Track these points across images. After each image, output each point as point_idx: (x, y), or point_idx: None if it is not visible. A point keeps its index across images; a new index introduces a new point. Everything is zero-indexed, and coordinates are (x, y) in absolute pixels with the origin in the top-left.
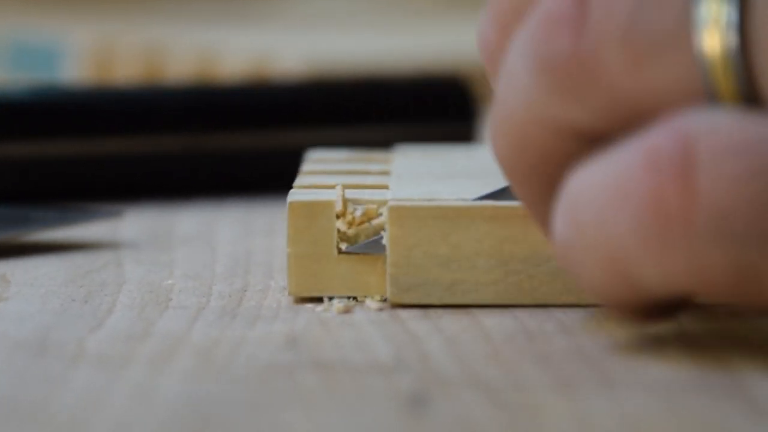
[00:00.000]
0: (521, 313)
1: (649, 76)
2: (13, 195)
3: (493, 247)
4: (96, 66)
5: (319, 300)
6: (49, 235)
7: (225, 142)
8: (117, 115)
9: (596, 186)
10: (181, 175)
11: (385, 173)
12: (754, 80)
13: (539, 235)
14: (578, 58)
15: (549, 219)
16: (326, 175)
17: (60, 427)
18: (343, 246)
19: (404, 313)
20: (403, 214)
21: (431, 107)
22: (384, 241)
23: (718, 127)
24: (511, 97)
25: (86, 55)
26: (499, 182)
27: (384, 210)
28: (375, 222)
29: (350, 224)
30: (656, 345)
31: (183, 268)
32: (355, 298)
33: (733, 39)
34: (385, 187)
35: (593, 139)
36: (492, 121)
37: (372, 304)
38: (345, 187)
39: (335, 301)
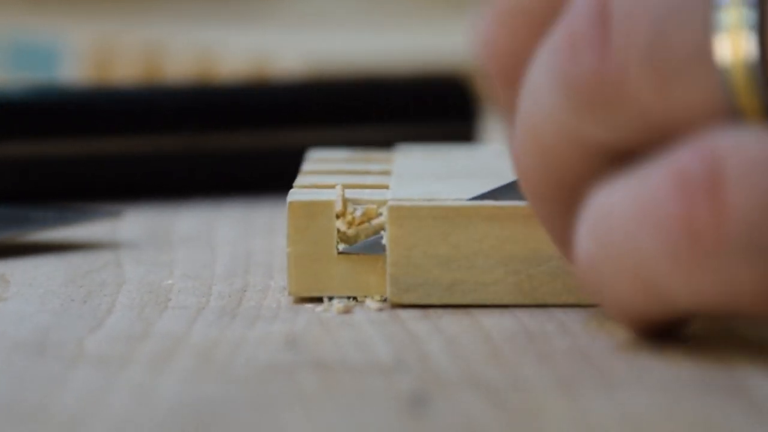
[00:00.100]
0: (521, 313)
1: (673, 95)
2: (13, 195)
3: (493, 247)
4: (95, 66)
5: (319, 300)
6: (49, 235)
7: (224, 142)
8: (116, 115)
9: (624, 204)
10: (180, 175)
11: (386, 173)
12: None
13: (539, 235)
14: (602, 77)
15: (568, 237)
16: (326, 174)
17: (59, 427)
18: (341, 246)
19: (404, 314)
20: (402, 214)
21: (431, 107)
22: (384, 241)
23: (744, 143)
24: (536, 115)
25: (86, 55)
26: (499, 182)
27: (384, 210)
28: (375, 222)
29: (350, 224)
30: (657, 345)
31: (182, 268)
32: (355, 298)
33: (754, 54)
34: (386, 186)
35: (618, 157)
36: (516, 138)
37: (372, 304)
38: (345, 187)
39: (335, 301)
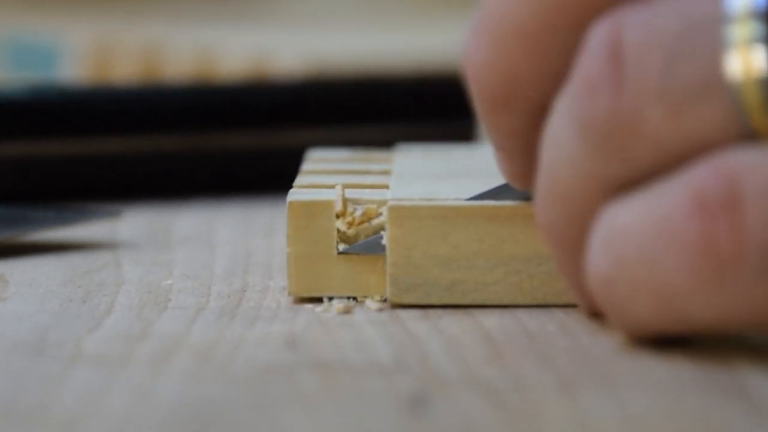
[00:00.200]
0: (522, 314)
1: (689, 124)
2: (12, 195)
3: (494, 247)
4: (95, 65)
5: (318, 300)
6: (48, 235)
7: (224, 141)
8: (116, 115)
9: (639, 223)
10: (180, 175)
11: (386, 173)
12: None
13: (540, 236)
14: (618, 117)
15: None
16: (326, 174)
17: (58, 427)
18: (341, 246)
19: (404, 314)
20: (402, 213)
21: (431, 107)
22: (383, 241)
23: (761, 161)
24: (559, 166)
25: (85, 54)
26: (499, 181)
27: (384, 210)
28: (375, 222)
29: (350, 224)
30: (657, 345)
31: (182, 268)
32: (354, 298)
33: (766, 70)
34: (386, 186)
35: (631, 184)
36: (539, 192)
37: (372, 304)
38: (345, 186)
39: (335, 302)
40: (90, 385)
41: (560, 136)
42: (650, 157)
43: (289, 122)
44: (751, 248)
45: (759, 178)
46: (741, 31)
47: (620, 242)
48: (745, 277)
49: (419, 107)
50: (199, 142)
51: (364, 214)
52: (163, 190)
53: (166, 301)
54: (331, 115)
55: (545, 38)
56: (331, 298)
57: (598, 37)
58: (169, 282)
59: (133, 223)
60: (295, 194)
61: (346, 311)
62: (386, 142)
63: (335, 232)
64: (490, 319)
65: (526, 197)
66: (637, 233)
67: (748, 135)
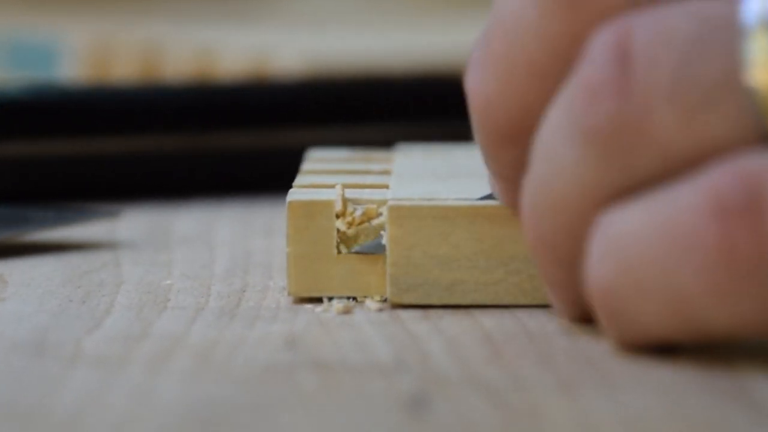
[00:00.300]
0: (522, 314)
1: (702, 128)
2: (11, 195)
3: (494, 247)
4: (93, 65)
5: (318, 300)
6: (47, 235)
7: (224, 141)
8: (115, 114)
9: (650, 230)
10: (179, 175)
11: (386, 173)
12: None
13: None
14: (625, 121)
15: (581, 300)
16: (326, 174)
17: (57, 427)
18: (343, 248)
19: (404, 314)
20: (402, 213)
21: (431, 106)
22: (383, 241)
23: None
24: (554, 179)
25: (84, 53)
26: None
27: (384, 210)
28: (375, 222)
29: (350, 224)
30: (658, 346)
31: (181, 268)
32: (354, 298)
33: None
34: (386, 186)
35: (631, 192)
36: (530, 208)
37: (372, 304)
38: (345, 186)
39: (335, 302)
40: (89, 385)
41: (555, 147)
42: (656, 162)
43: (289, 122)
44: None
45: None
46: (760, 32)
47: (626, 248)
48: (765, 282)
49: (419, 107)
50: (198, 142)
51: (364, 214)
52: (162, 190)
53: (166, 301)
54: (331, 115)
55: (556, 72)
56: (330, 298)
57: (602, 42)
58: (168, 282)
59: (133, 223)
60: (294, 194)
61: (346, 311)
62: (386, 142)
63: (335, 232)
64: (491, 320)
65: None
66: (646, 238)
67: (764, 138)
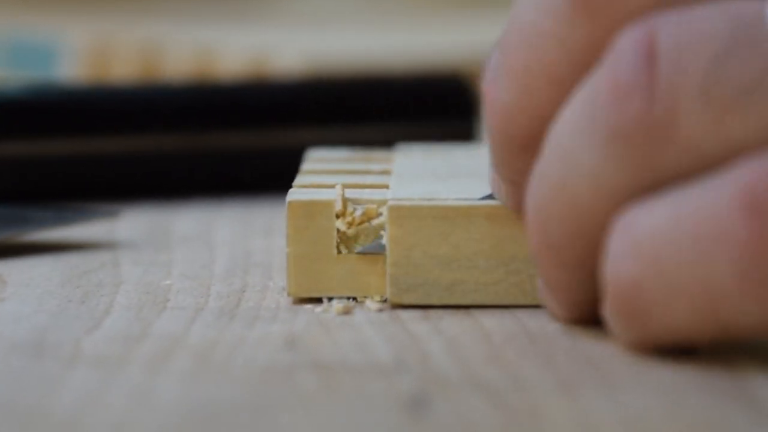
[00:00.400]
0: (522, 314)
1: (731, 128)
2: (10, 194)
3: (494, 247)
4: (93, 64)
5: (318, 301)
6: (46, 235)
7: (223, 141)
8: (114, 114)
9: (678, 226)
10: (179, 175)
11: (386, 173)
12: None
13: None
14: (652, 121)
15: (582, 299)
16: (326, 174)
17: (57, 428)
18: (343, 248)
19: (404, 314)
20: (402, 213)
21: (431, 106)
22: (383, 241)
23: None
24: (573, 179)
25: (83, 53)
26: None
27: (384, 210)
28: (375, 222)
29: (350, 224)
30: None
31: (181, 268)
32: (354, 298)
33: None
34: (386, 186)
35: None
36: (538, 210)
37: (372, 304)
38: (345, 186)
39: (335, 302)
40: (89, 385)
41: (572, 148)
42: (682, 161)
43: (288, 121)
44: None
45: None
46: None
47: (652, 246)
48: None
49: (419, 106)
50: (198, 141)
51: (364, 214)
52: (162, 189)
53: (165, 301)
54: (331, 115)
55: (575, 80)
56: (330, 299)
57: (627, 42)
58: (168, 282)
59: (132, 223)
60: (294, 194)
61: (346, 311)
62: (386, 142)
63: (335, 232)
64: (491, 320)
65: None
66: (674, 235)
67: None
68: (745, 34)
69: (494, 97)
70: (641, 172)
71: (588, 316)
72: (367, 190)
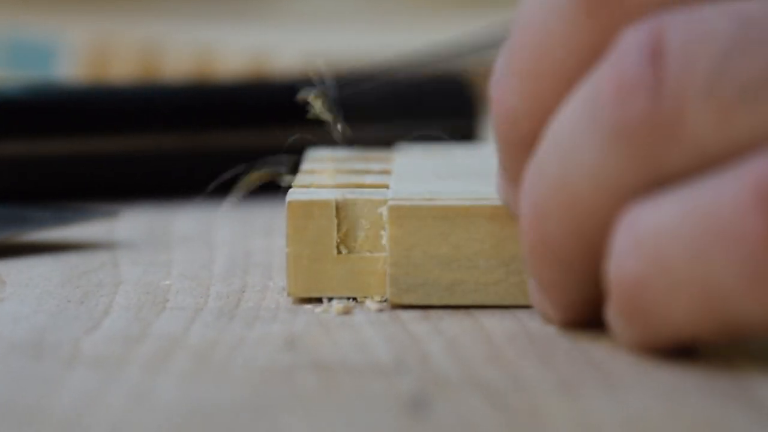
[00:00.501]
0: (523, 314)
1: (738, 125)
2: (9, 194)
3: (495, 247)
4: (92, 64)
5: (318, 301)
6: (45, 235)
7: (223, 140)
8: (114, 114)
9: (683, 222)
10: (178, 174)
11: (386, 172)
12: None
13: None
14: (658, 118)
15: (575, 300)
16: (326, 174)
17: (56, 428)
18: (343, 248)
19: (404, 314)
20: (402, 213)
21: (431, 106)
22: (384, 241)
23: None
24: (574, 176)
25: (83, 52)
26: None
27: (384, 210)
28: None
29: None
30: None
31: (180, 268)
32: (354, 298)
33: None
34: (386, 186)
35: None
36: (534, 207)
37: (372, 304)
38: (345, 186)
39: (335, 302)
40: (88, 386)
41: (573, 144)
42: (688, 159)
43: (288, 121)
44: None
45: None
46: None
47: (656, 242)
48: None
49: (419, 107)
50: (197, 141)
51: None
52: (161, 189)
53: (165, 301)
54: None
55: (582, 78)
56: (330, 299)
57: (633, 40)
58: (167, 282)
59: (132, 223)
60: (294, 194)
61: (346, 312)
62: (386, 142)
63: (335, 233)
64: (491, 320)
65: None
66: (680, 231)
67: None
68: (752, 33)
69: (500, 99)
70: (644, 171)
71: (581, 318)
72: (367, 190)
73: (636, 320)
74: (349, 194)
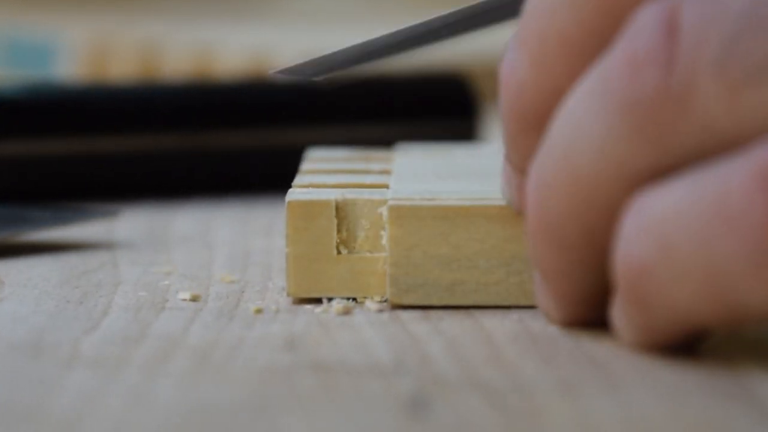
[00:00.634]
0: (523, 315)
1: (747, 104)
2: (8, 194)
3: (495, 247)
4: (91, 63)
5: (318, 301)
6: (44, 235)
7: (223, 140)
8: (113, 113)
9: (690, 208)
10: (178, 174)
11: (386, 172)
12: None
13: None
14: (667, 93)
15: (584, 289)
16: (326, 174)
17: (55, 429)
18: (343, 248)
19: (404, 315)
20: (403, 213)
21: (432, 105)
22: (384, 241)
23: None
24: (580, 151)
25: (82, 52)
26: (499, 180)
27: (384, 210)
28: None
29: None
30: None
31: (180, 268)
32: (354, 299)
33: None
34: (386, 186)
35: (664, 175)
36: (540, 186)
37: (372, 305)
38: (345, 186)
39: (334, 302)
40: (87, 386)
41: (583, 120)
42: (697, 138)
43: (288, 120)
44: None
45: None
46: None
47: (663, 228)
48: None
49: (420, 107)
50: (197, 140)
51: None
52: (161, 189)
53: (164, 301)
54: (331, 114)
55: (588, 47)
56: (330, 299)
57: (648, 15)
58: (166, 282)
59: (131, 223)
60: (294, 194)
61: (346, 312)
62: (387, 141)
63: (335, 233)
64: (492, 320)
65: None
66: (686, 217)
67: None
68: (765, 13)
69: (508, 72)
70: (654, 147)
71: (583, 314)
72: (367, 190)
73: (641, 307)
74: (349, 194)
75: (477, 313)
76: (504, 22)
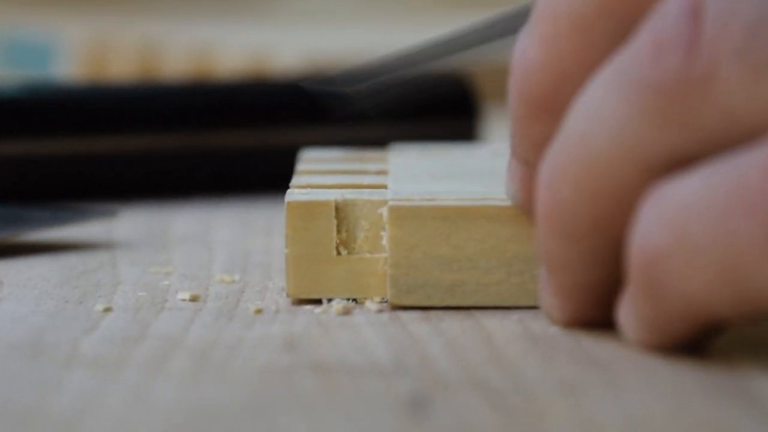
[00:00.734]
0: (524, 315)
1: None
2: (7, 194)
3: (495, 248)
4: (91, 63)
5: (317, 301)
6: (43, 235)
7: (222, 140)
8: (112, 113)
9: (708, 196)
10: (177, 174)
11: (383, 173)
12: None
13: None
14: (689, 77)
15: (593, 279)
16: (323, 174)
17: (54, 430)
18: (342, 249)
19: (404, 315)
20: (403, 214)
21: (432, 105)
22: (384, 242)
23: None
24: (597, 136)
25: (81, 52)
26: (498, 181)
27: (384, 210)
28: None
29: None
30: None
31: (179, 268)
32: (354, 299)
33: None
34: (383, 186)
35: (681, 166)
36: (553, 171)
37: (372, 305)
38: (343, 186)
39: (334, 303)
40: (86, 387)
41: (605, 106)
42: (717, 124)
43: (288, 121)
44: None
45: None
46: None
47: (681, 216)
48: None
49: (419, 107)
50: (197, 140)
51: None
52: (160, 189)
53: (164, 302)
54: (330, 114)
55: (599, 26)
56: (330, 300)
57: (673, 1)
58: (166, 283)
59: (130, 223)
60: (293, 195)
61: (346, 312)
62: (386, 142)
63: (334, 233)
64: (492, 321)
65: None
66: (704, 204)
67: None
68: None
69: (518, 55)
70: (672, 131)
71: (586, 313)
72: (365, 191)
73: (654, 298)
74: (348, 195)
75: (477, 313)
76: None
